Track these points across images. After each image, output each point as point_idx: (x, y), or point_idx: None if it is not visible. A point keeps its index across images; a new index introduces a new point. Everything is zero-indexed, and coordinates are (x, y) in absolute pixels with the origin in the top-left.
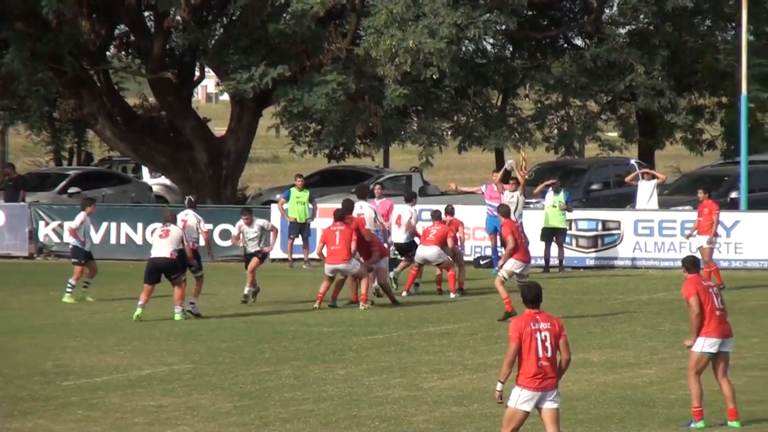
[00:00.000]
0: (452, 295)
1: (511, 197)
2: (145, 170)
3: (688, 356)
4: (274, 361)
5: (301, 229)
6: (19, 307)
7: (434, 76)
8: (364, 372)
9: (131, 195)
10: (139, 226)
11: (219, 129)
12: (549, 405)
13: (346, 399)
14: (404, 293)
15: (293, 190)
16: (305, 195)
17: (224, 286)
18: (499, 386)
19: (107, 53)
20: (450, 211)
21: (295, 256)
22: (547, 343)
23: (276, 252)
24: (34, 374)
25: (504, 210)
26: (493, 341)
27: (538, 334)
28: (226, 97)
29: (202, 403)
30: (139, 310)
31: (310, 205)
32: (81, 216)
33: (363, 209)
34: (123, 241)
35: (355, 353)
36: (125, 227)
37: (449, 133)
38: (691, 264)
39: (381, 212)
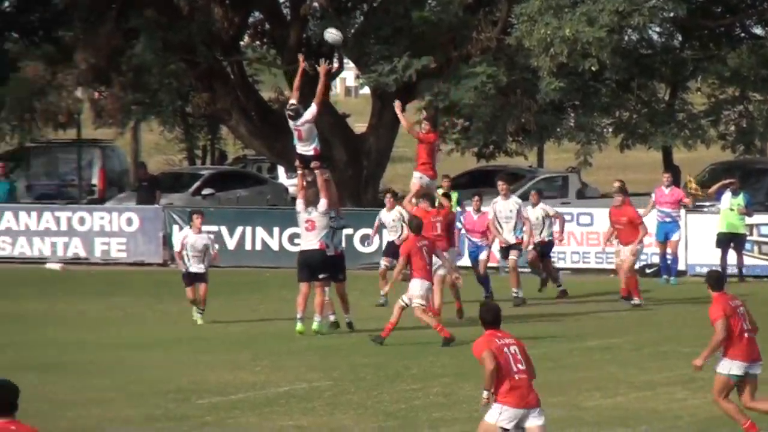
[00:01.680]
0: (635, 301)
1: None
2: (280, 170)
3: None
4: (420, 377)
5: None
6: (153, 318)
7: (593, 68)
8: None
9: (267, 197)
10: (275, 230)
11: (359, 125)
12: (534, 422)
13: None
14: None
15: (439, 192)
16: (453, 197)
17: (364, 296)
18: (485, 393)
19: (241, 43)
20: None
21: None
22: (519, 356)
23: None
24: (170, 391)
25: None
26: (662, 357)
27: (506, 348)
28: (366, 90)
29: (345, 424)
30: (299, 325)
31: (458, 208)
32: (184, 232)
33: None
34: (258, 246)
35: None
36: (260, 232)
37: (610, 130)
38: (714, 281)
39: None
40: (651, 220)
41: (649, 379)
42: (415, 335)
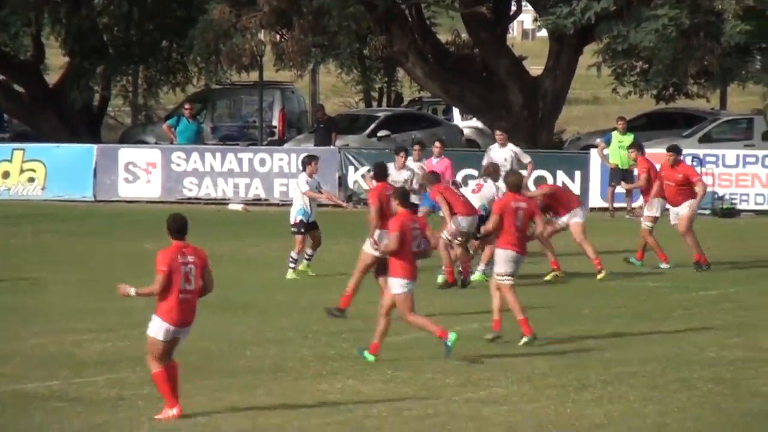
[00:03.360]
0: None
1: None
2: (455, 112)
3: None
4: (593, 318)
5: (623, 176)
6: (330, 259)
7: None
8: (695, 331)
9: (442, 138)
10: None
11: (535, 68)
12: (184, 338)
13: (674, 360)
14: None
15: (615, 134)
16: (629, 139)
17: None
18: (132, 291)
19: None
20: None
21: (616, 204)
22: (191, 276)
23: (596, 200)
24: (343, 331)
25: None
26: None
27: (184, 266)
28: (543, 33)
29: (517, 363)
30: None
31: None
32: (303, 178)
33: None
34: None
35: (685, 310)
36: None
37: None
38: None
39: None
40: None
41: None
42: (592, 276)
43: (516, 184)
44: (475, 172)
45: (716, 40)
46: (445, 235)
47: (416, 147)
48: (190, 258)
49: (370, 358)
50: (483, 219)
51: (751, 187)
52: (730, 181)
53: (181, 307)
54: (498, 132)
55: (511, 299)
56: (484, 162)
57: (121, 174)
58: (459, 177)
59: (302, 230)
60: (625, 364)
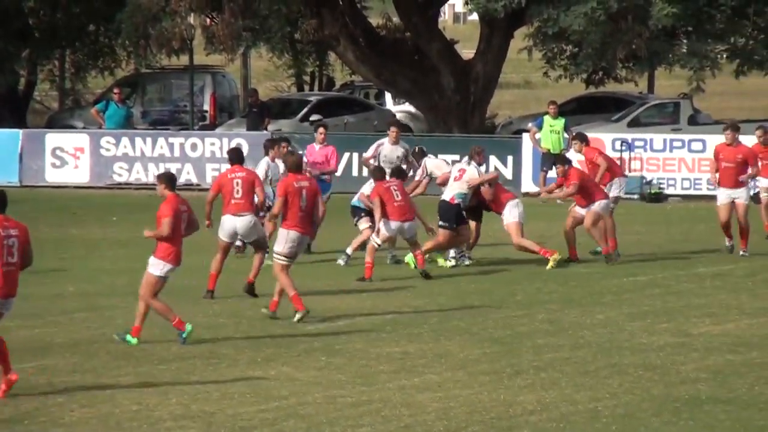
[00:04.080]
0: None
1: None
2: (387, 96)
3: None
4: (526, 304)
5: (555, 160)
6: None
7: None
8: (625, 316)
9: (374, 123)
10: None
11: (467, 51)
12: (6, 314)
13: (605, 346)
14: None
15: (546, 118)
16: (560, 123)
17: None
18: None
19: None
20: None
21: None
22: (14, 249)
23: (528, 185)
24: (278, 318)
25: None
26: None
27: (7, 240)
28: (475, 17)
29: (450, 350)
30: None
31: (566, 135)
32: (263, 163)
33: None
34: (365, 172)
35: (615, 296)
36: None
37: (724, 56)
38: None
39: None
40: None
41: (762, 305)
42: (521, 262)
43: (297, 164)
44: None
45: (644, 24)
46: (374, 239)
47: (321, 130)
48: (13, 231)
49: (133, 341)
50: (460, 208)
51: (678, 171)
52: (658, 165)
53: (5, 280)
54: (392, 128)
55: (283, 278)
56: (368, 155)
57: (48, 159)
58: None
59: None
60: (557, 350)
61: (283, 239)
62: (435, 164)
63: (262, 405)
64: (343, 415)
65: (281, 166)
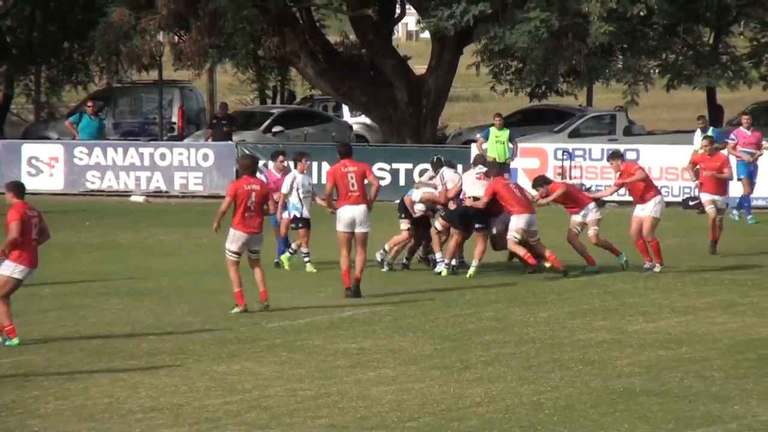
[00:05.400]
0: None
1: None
2: (345, 109)
3: None
4: (474, 303)
5: (501, 169)
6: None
7: (642, 13)
8: (566, 315)
9: (332, 134)
10: None
11: (419, 67)
12: None
13: (548, 342)
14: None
15: (493, 129)
16: (505, 134)
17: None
18: None
19: None
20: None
21: None
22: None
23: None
24: (242, 316)
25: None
26: (703, 283)
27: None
28: (426, 35)
29: (404, 346)
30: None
31: (510, 145)
32: (291, 176)
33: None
34: (324, 180)
35: (557, 295)
36: (326, 167)
37: (657, 71)
38: None
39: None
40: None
41: (691, 304)
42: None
43: (249, 166)
44: None
45: (583, 41)
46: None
47: (280, 158)
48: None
49: (15, 342)
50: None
51: (615, 179)
52: (596, 173)
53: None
54: (304, 158)
55: (232, 273)
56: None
57: (24, 168)
58: None
59: (300, 225)
60: (503, 346)
61: (232, 238)
62: (449, 177)
63: (227, 398)
64: (302, 407)
65: (307, 178)
